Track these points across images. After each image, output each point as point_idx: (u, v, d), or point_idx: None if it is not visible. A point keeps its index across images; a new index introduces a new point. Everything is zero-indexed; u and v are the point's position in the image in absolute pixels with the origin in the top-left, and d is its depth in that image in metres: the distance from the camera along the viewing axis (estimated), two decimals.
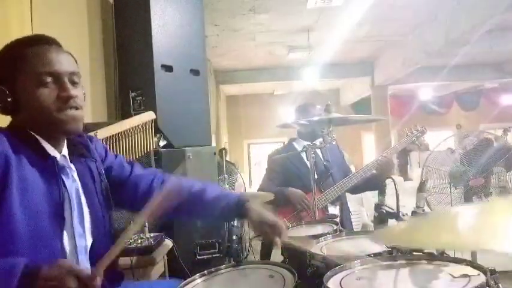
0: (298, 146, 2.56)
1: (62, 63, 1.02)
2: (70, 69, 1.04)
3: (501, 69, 9.36)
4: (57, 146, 1.06)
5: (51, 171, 1.01)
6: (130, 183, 1.26)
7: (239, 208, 1.25)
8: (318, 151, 2.46)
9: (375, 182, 2.47)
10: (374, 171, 2.43)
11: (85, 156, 1.13)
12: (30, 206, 0.93)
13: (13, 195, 0.91)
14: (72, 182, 1.08)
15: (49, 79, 0.99)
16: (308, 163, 2.41)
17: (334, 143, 2.11)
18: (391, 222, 1.28)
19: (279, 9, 5.33)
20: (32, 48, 1.01)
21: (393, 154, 2.52)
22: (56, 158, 1.04)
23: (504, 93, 11.77)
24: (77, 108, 1.03)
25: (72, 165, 1.10)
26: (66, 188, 1.05)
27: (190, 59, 2.73)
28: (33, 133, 1.01)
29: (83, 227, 1.08)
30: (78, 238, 1.06)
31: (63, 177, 1.05)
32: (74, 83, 1.04)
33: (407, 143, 2.55)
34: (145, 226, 1.84)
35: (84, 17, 2.70)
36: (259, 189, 2.63)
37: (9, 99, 0.98)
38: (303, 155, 2.41)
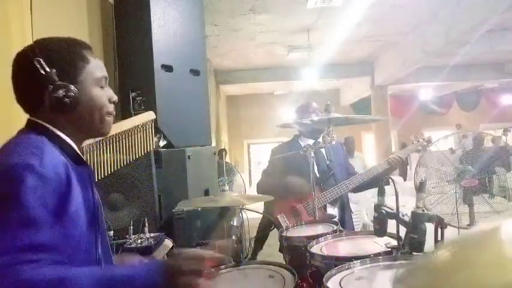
0: (303, 142, 2.55)
1: (105, 69, 1.10)
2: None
3: (501, 69, 9.37)
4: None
5: (86, 177, 1.02)
6: None
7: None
8: (322, 150, 2.44)
9: (378, 182, 2.45)
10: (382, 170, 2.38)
11: (87, 164, 1.14)
12: (77, 213, 0.93)
13: (71, 205, 0.90)
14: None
15: (104, 83, 1.07)
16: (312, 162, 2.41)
17: (333, 142, 2.11)
18: (391, 222, 1.28)
19: (279, 9, 5.34)
20: (88, 52, 1.05)
21: (397, 162, 2.46)
22: (89, 165, 1.07)
23: (504, 93, 11.78)
24: (113, 114, 1.12)
25: None
26: (96, 194, 1.06)
27: (190, 59, 2.73)
28: (64, 136, 1.00)
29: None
30: (106, 245, 1.08)
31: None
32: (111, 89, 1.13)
33: (411, 151, 2.52)
34: (145, 226, 1.84)
35: (84, 17, 2.70)
36: (259, 183, 2.59)
37: (75, 96, 0.98)
38: (307, 153, 2.39)
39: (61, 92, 0.96)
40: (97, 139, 1.89)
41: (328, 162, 2.45)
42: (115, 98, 1.10)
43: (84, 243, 0.94)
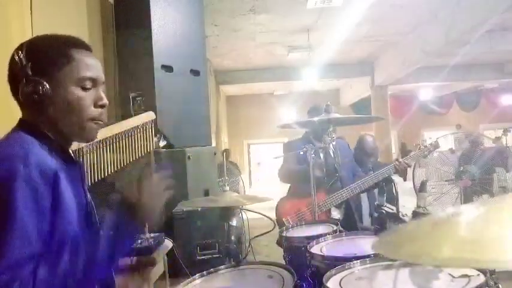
0: (314, 139, 2.55)
1: (100, 71, 1.03)
2: (103, 78, 1.05)
3: (501, 69, 9.37)
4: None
5: (77, 176, 1.01)
6: None
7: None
8: (330, 151, 2.43)
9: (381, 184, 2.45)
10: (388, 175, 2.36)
11: (79, 163, 1.13)
12: (68, 211, 0.92)
13: (61, 207, 0.90)
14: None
15: (89, 84, 0.99)
16: (321, 160, 2.39)
17: (334, 143, 2.11)
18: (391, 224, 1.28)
19: (279, 9, 5.34)
20: (77, 50, 0.99)
21: (404, 168, 2.43)
22: (81, 163, 1.05)
23: (504, 93, 11.78)
24: (102, 121, 1.03)
25: None
26: (87, 194, 1.05)
27: (190, 59, 2.74)
28: (53, 136, 0.98)
29: None
30: None
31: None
32: (102, 93, 1.04)
33: (418, 157, 2.51)
34: (145, 226, 1.84)
35: (84, 17, 2.70)
36: (280, 172, 2.59)
37: (46, 93, 0.93)
38: (319, 151, 2.38)
39: (30, 87, 0.92)
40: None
41: (336, 165, 2.41)
42: (103, 101, 1.01)
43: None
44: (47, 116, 0.96)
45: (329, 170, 2.40)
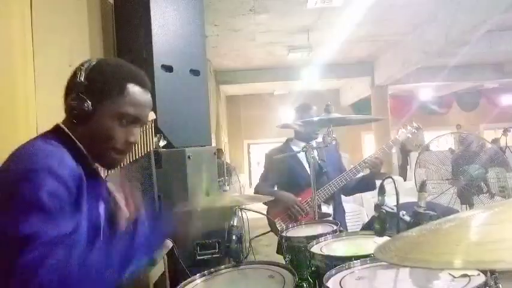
0: (295, 146, 2.57)
1: (146, 111, 1.07)
2: (147, 119, 1.09)
3: (501, 69, 9.38)
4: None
5: (97, 192, 1.03)
6: None
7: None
8: (314, 150, 2.46)
9: (366, 182, 2.51)
10: (364, 172, 2.45)
11: (103, 181, 1.14)
12: (80, 220, 0.94)
13: (81, 214, 0.93)
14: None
15: (130, 121, 1.03)
16: (304, 163, 2.45)
17: (334, 143, 2.11)
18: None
19: (279, 9, 5.34)
20: (132, 86, 1.03)
21: (390, 148, 2.52)
22: (107, 181, 1.08)
23: (504, 93, 11.79)
24: (125, 154, 1.08)
25: None
26: (102, 211, 1.07)
27: (190, 59, 2.73)
28: (82, 147, 1.01)
29: None
30: None
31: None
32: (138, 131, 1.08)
33: (401, 138, 2.57)
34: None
35: (84, 17, 2.70)
36: (255, 189, 2.64)
37: (86, 113, 0.99)
38: (299, 155, 2.42)
39: (76, 102, 0.98)
40: None
41: (319, 162, 2.45)
42: (133, 139, 1.05)
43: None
44: (80, 132, 1.01)
45: (315, 167, 2.43)
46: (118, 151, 1.04)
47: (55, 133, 1.00)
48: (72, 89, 1.00)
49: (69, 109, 1.00)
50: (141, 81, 1.05)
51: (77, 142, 1.00)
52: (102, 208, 1.06)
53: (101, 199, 1.06)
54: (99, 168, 1.10)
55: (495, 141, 6.65)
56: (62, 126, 1.01)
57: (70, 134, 1.00)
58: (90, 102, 0.98)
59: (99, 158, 1.04)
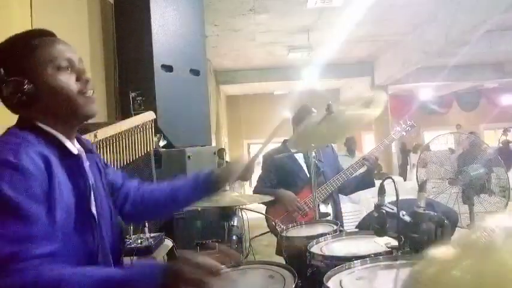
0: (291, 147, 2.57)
1: (71, 50, 1.02)
2: (78, 55, 1.04)
3: (501, 69, 9.37)
4: (72, 141, 1.05)
5: (78, 166, 1.01)
6: (122, 191, 1.27)
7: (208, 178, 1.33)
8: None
9: (363, 180, 2.51)
10: (362, 170, 2.46)
11: (92, 152, 1.13)
12: (63, 199, 0.93)
13: (55, 194, 0.91)
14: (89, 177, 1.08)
15: (64, 63, 0.98)
16: (301, 163, 2.46)
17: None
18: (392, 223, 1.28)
19: (279, 9, 5.34)
20: (41, 39, 0.99)
21: (386, 146, 2.54)
22: (81, 156, 1.04)
23: (504, 93, 11.78)
24: (91, 93, 1.02)
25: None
26: (91, 181, 1.05)
27: (190, 59, 2.73)
28: (49, 129, 0.98)
29: None
30: (110, 231, 1.07)
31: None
32: (83, 68, 1.04)
33: (396, 136, 2.58)
34: (145, 226, 1.84)
35: (84, 17, 2.70)
36: (254, 190, 2.64)
37: (28, 88, 0.94)
38: (297, 155, 2.42)
39: (11, 88, 0.94)
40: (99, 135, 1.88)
41: (316, 162, 2.45)
42: (83, 74, 1.00)
43: (77, 231, 0.95)
44: (39, 109, 0.97)
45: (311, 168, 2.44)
46: (81, 92, 0.99)
47: (17, 126, 0.97)
48: None
49: (12, 101, 0.95)
50: (42, 32, 1.02)
51: (39, 123, 0.97)
52: (91, 180, 1.04)
53: (87, 174, 1.02)
54: (93, 146, 1.11)
55: (506, 143, 6.62)
56: (22, 115, 0.98)
57: (29, 119, 0.97)
58: (20, 78, 0.94)
59: (75, 112, 1.00)
